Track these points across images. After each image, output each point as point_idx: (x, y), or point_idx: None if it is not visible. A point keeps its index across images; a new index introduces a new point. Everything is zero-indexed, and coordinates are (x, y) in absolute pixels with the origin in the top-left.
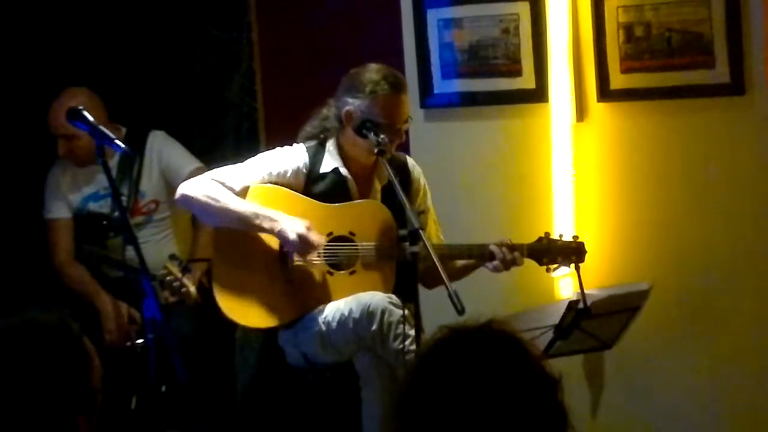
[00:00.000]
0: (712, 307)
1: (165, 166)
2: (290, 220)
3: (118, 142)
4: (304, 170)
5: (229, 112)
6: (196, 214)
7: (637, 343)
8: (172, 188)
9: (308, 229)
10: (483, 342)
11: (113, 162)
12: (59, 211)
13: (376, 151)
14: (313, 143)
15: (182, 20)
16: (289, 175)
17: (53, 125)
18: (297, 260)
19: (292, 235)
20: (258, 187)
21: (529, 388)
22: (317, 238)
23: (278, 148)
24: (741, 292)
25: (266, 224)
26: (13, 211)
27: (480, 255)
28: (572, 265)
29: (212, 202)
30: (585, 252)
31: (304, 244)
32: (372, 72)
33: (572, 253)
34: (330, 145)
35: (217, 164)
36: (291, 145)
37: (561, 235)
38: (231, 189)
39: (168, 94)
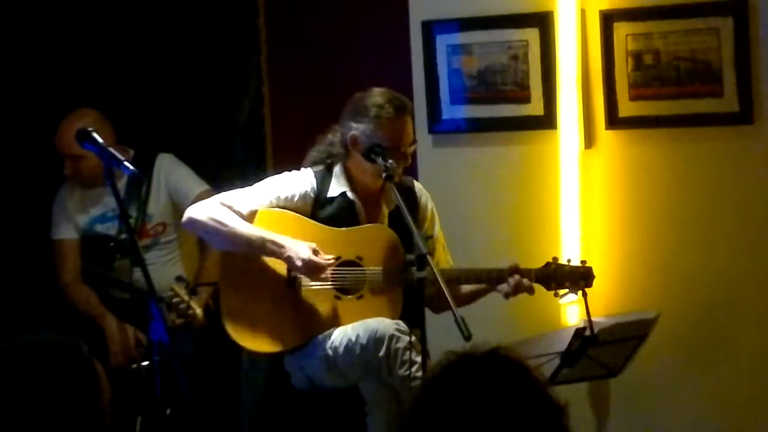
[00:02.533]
0: (718, 336)
1: (172, 188)
2: (297, 244)
3: (126, 164)
4: (312, 194)
5: (237, 135)
6: (203, 237)
7: (642, 371)
8: (179, 211)
9: (315, 252)
10: (490, 368)
11: (121, 184)
12: (66, 231)
13: (384, 176)
14: (320, 168)
15: (192, 44)
16: (296, 199)
17: (61, 145)
18: (305, 285)
19: (298, 262)
20: (265, 211)
21: (536, 414)
22: (324, 260)
23: (286, 173)
24: (748, 320)
25: (273, 249)
26: (21, 232)
27: (489, 279)
28: (579, 292)
29: (219, 226)
30: (593, 277)
31: (311, 269)
32: (376, 96)
33: (580, 277)
34: (337, 169)
35: (224, 187)
36: (297, 169)
37: (569, 260)
38: (239, 213)
39: (177, 116)
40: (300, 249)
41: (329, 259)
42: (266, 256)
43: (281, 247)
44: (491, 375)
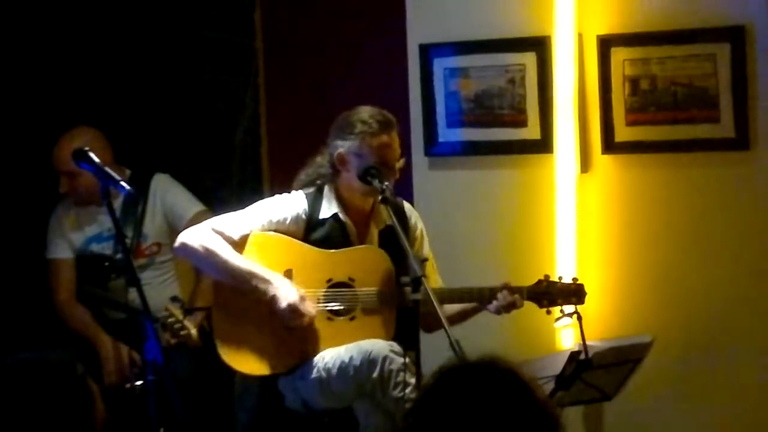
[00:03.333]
0: (714, 360)
1: (168, 209)
2: (285, 287)
3: (123, 183)
4: (304, 217)
5: (233, 155)
6: (195, 264)
7: (637, 395)
8: (174, 231)
9: (302, 299)
10: (486, 376)
11: (117, 204)
12: (61, 251)
13: (380, 198)
14: (311, 190)
15: (189, 65)
16: (288, 222)
17: (57, 162)
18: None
19: (282, 304)
20: (257, 234)
21: (532, 423)
22: (309, 310)
23: (277, 196)
24: (744, 344)
25: (260, 286)
26: (17, 250)
27: (480, 298)
28: (574, 316)
29: (210, 256)
30: (584, 294)
31: (293, 316)
32: (360, 113)
33: (572, 294)
34: (327, 190)
35: (221, 207)
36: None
37: (560, 277)
38: (230, 238)
39: (174, 136)
40: (288, 293)
41: (313, 310)
42: (252, 291)
43: (268, 284)
44: (488, 382)
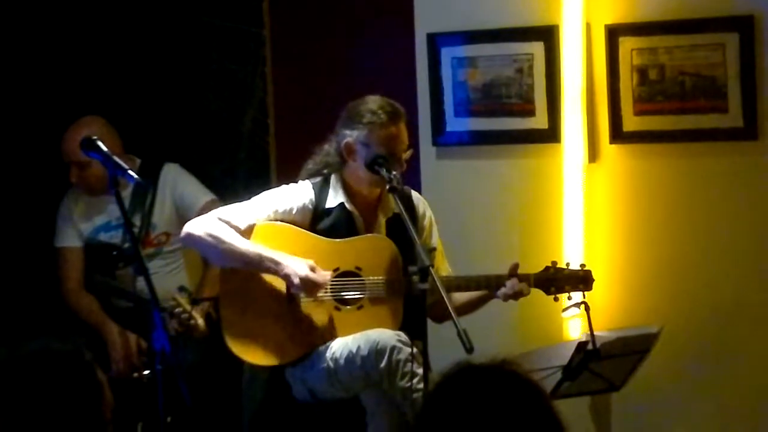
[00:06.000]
0: (721, 350)
1: (178, 198)
2: (294, 262)
3: (131, 173)
4: (310, 206)
5: (241, 144)
6: (202, 253)
7: (645, 385)
8: (184, 220)
9: (312, 269)
10: (495, 380)
11: (126, 193)
12: (70, 239)
13: (388, 187)
14: (318, 179)
15: (197, 53)
16: (295, 212)
17: (67, 152)
18: (304, 301)
19: (296, 279)
20: (263, 224)
21: (539, 429)
22: (322, 276)
23: (284, 186)
24: (751, 334)
25: (270, 267)
26: (25, 239)
27: (488, 286)
28: (582, 306)
29: (217, 243)
30: (592, 280)
31: (309, 286)
32: (369, 103)
33: (579, 281)
34: (333, 179)
35: (229, 196)
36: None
37: (568, 264)
38: (237, 228)
39: (182, 125)
40: (298, 267)
41: (326, 274)
42: (263, 273)
43: (278, 264)
44: (497, 386)
